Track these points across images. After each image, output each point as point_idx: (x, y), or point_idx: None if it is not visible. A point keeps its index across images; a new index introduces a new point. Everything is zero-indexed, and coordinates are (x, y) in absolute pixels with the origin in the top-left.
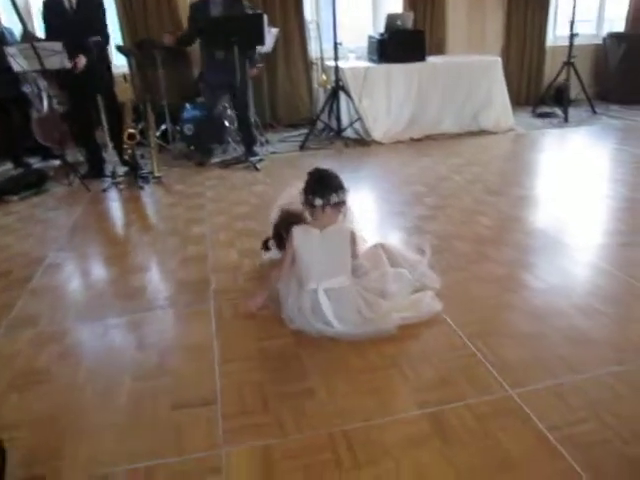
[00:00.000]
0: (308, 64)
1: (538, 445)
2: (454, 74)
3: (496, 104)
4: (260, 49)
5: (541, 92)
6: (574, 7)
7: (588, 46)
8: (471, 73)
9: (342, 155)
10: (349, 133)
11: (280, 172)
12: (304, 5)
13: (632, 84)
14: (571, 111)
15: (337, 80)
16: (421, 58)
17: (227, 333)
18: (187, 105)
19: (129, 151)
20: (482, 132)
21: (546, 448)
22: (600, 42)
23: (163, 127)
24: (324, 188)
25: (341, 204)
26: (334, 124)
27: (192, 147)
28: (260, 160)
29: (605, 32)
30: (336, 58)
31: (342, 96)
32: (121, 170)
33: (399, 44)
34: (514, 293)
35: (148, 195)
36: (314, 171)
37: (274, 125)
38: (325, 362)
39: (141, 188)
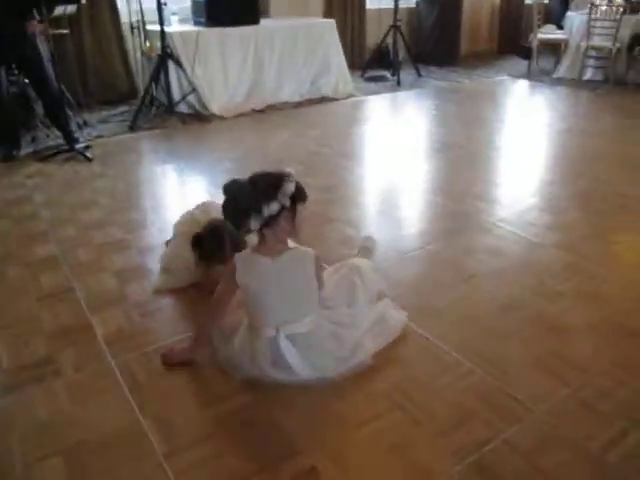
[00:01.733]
0: (119, 29)
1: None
2: (290, 38)
3: (334, 69)
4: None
5: (366, 56)
6: None
7: (402, 9)
8: (307, 37)
9: (177, 135)
10: (182, 108)
11: (120, 160)
12: None
13: (445, 46)
14: None
15: (164, 47)
16: (255, 21)
17: (155, 405)
18: None
19: None
20: (323, 99)
21: None
22: (413, 5)
23: None
24: (250, 203)
25: (285, 212)
26: (162, 97)
27: None
28: (87, 147)
29: None
30: (161, 22)
31: (171, 66)
32: None
33: (229, 4)
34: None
35: None
36: (228, 186)
37: (87, 103)
38: (310, 421)
39: None
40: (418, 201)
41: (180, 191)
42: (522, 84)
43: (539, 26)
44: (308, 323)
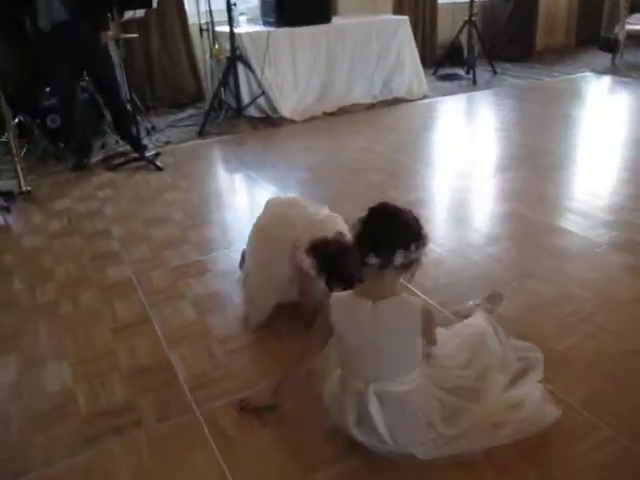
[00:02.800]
0: (187, 31)
1: None
2: (363, 37)
3: (407, 68)
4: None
5: (437, 52)
6: None
7: (475, 3)
8: (379, 35)
9: (248, 140)
10: (252, 112)
11: (191, 169)
12: None
13: (520, 41)
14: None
15: (234, 49)
16: (326, 19)
17: (249, 469)
18: (45, 89)
19: None
20: (396, 100)
21: None
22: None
23: (15, 120)
24: (388, 241)
25: (411, 265)
26: (231, 101)
27: (62, 144)
28: (157, 155)
29: None
30: (231, 23)
31: (240, 68)
32: None
33: (300, 3)
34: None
35: (18, 220)
36: (376, 210)
37: (155, 107)
38: None
39: (5, 210)
40: (512, 219)
41: (256, 204)
42: (607, 81)
43: (626, 16)
44: (406, 382)
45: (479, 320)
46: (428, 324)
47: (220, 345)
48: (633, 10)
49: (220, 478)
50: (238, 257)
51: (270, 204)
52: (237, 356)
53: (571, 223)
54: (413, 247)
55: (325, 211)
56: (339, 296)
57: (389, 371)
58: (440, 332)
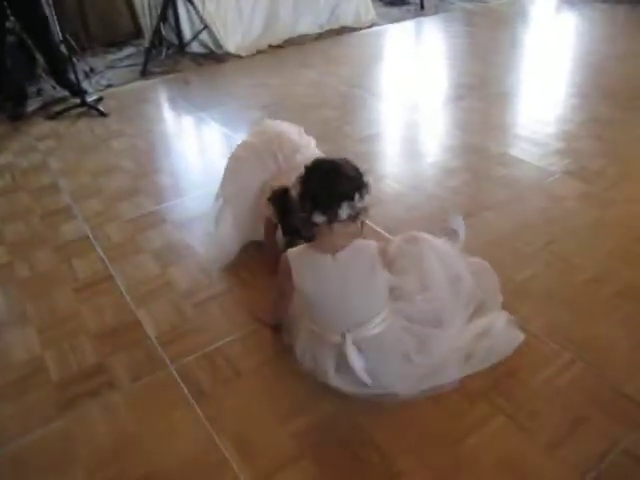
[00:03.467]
0: None
1: None
2: None
3: None
4: None
5: None
6: None
7: None
8: None
9: (193, 79)
10: (195, 48)
11: (137, 113)
12: None
13: None
14: None
15: None
16: None
17: (230, 422)
18: None
19: None
20: (343, 29)
21: None
22: None
23: None
24: (329, 196)
25: (359, 213)
26: (172, 37)
27: None
28: (99, 100)
29: None
30: None
31: (179, 1)
32: None
33: None
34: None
35: None
36: (313, 168)
37: (91, 47)
38: (405, 435)
39: None
40: (466, 151)
41: (209, 149)
42: (553, 2)
43: None
44: (379, 324)
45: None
46: (385, 255)
47: (186, 298)
48: None
49: (202, 432)
50: (193, 205)
51: (260, 127)
52: (204, 308)
53: (525, 152)
54: (357, 196)
55: (310, 152)
56: (296, 254)
57: (361, 317)
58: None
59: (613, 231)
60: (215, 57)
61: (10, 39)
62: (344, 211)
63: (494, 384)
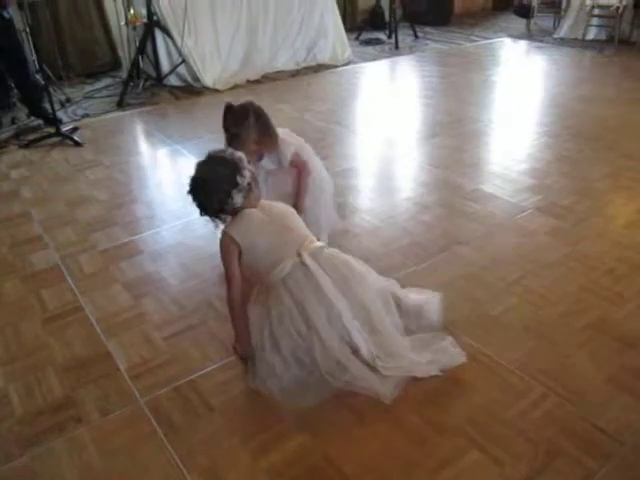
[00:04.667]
0: None
1: None
2: (285, 1)
3: (330, 34)
4: None
5: (358, 17)
6: None
7: None
8: (302, 0)
9: (170, 111)
10: (173, 81)
11: (112, 144)
12: None
13: (440, 6)
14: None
15: (150, 15)
16: None
17: (200, 456)
18: None
19: None
20: (320, 66)
21: None
22: None
23: None
24: (229, 183)
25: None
26: (150, 70)
27: None
28: (74, 129)
29: None
30: None
31: (158, 35)
32: None
33: None
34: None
35: None
36: (193, 180)
37: (68, 77)
38: (376, 465)
39: None
40: (440, 186)
41: (185, 180)
42: (523, 45)
43: None
44: (323, 244)
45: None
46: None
47: (158, 330)
48: None
49: (172, 468)
50: (168, 236)
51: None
52: (177, 340)
53: (496, 188)
54: (239, 179)
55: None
56: (231, 226)
57: (304, 235)
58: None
59: (583, 265)
60: (192, 90)
61: None
62: (237, 195)
63: (468, 418)
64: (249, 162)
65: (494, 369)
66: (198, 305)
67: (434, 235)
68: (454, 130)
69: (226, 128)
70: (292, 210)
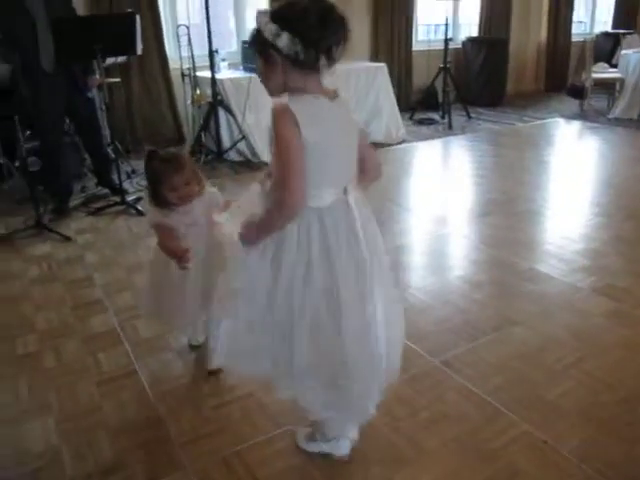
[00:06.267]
0: (168, 75)
1: None
2: (341, 82)
3: (385, 114)
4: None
5: (412, 97)
6: (450, 11)
7: (449, 50)
8: (358, 81)
9: (229, 185)
10: (232, 156)
11: None
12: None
13: (492, 87)
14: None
15: (215, 95)
16: None
17: None
18: (26, 132)
19: None
20: (374, 145)
21: None
22: (459, 46)
23: None
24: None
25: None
26: (211, 145)
27: (41, 187)
28: (138, 199)
29: (463, 37)
30: (213, 69)
31: (221, 113)
32: None
33: None
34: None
35: None
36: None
37: (135, 150)
38: None
39: None
40: (493, 265)
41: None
42: (577, 126)
43: (591, 64)
44: (356, 187)
45: None
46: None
47: (208, 399)
48: (596, 59)
49: None
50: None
51: None
52: (226, 410)
53: (551, 268)
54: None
55: None
56: (296, 100)
57: (351, 175)
58: None
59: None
60: (251, 165)
61: (64, 139)
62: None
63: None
64: None
65: (552, 458)
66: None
67: (486, 314)
68: (507, 209)
69: None
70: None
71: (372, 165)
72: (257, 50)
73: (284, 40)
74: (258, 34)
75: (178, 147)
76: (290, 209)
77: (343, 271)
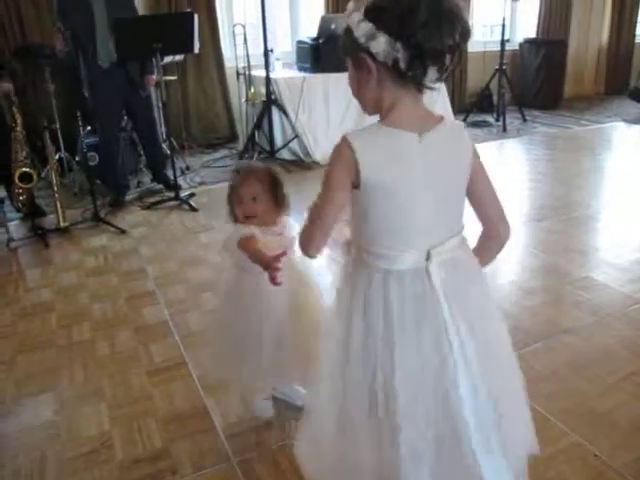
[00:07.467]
0: (223, 74)
1: None
2: None
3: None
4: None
5: (466, 100)
6: (506, 11)
7: (506, 52)
8: None
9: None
10: (285, 154)
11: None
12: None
13: (549, 89)
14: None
15: (269, 93)
16: None
17: None
18: (86, 128)
19: (21, 197)
20: None
21: None
22: (516, 48)
23: (56, 157)
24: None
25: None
26: (264, 143)
27: (99, 181)
28: (191, 195)
29: (521, 38)
30: (267, 68)
31: (274, 111)
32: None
33: (336, 50)
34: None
35: (57, 256)
36: None
37: (190, 147)
38: None
39: (44, 246)
40: (547, 271)
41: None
42: (639, 130)
43: None
44: (455, 245)
45: None
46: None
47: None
48: None
49: None
50: None
51: None
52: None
53: (607, 277)
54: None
55: None
56: (362, 133)
57: (446, 230)
58: None
59: None
60: (303, 165)
61: (122, 135)
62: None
63: None
64: None
65: (603, 472)
66: None
67: (538, 321)
68: (563, 215)
69: None
70: (462, 174)
71: (497, 220)
72: (346, 54)
73: (381, 43)
74: (347, 34)
75: (230, 145)
76: (304, 253)
77: (404, 365)
